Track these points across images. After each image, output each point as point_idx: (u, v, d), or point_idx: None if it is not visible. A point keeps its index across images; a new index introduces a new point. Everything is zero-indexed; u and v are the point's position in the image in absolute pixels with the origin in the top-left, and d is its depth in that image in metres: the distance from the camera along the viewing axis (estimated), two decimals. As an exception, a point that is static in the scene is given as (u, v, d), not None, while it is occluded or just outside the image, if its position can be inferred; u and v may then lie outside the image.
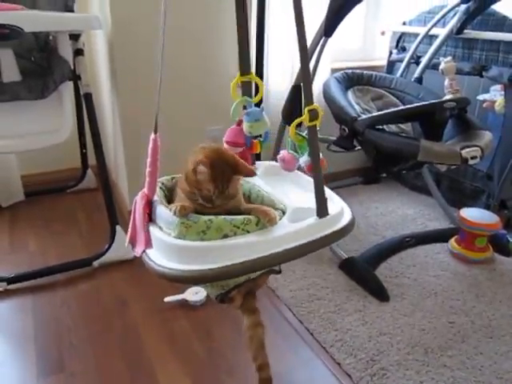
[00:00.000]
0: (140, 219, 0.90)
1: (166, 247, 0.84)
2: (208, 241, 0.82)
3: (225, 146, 1.05)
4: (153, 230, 0.87)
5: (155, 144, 0.89)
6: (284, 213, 0.93)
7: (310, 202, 0.92)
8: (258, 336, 1.04)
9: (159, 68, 0.84)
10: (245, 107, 1.05)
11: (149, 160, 0.90)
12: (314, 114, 0.86)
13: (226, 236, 0.83)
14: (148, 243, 0.87)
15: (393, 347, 1.39)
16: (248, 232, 0.84)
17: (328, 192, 0.98)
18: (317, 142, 0.89)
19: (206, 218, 0.83)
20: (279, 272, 1.05)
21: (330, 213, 0.90)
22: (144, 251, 0.87)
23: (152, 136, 0.89)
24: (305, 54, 0.86)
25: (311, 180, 0.93)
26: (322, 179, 0.89)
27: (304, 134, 0.97)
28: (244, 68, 1.06)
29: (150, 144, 0.89)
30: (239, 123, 1.06)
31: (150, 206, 0.91)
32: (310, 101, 0.86)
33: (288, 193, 1.04)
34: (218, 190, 0.85)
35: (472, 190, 2.20)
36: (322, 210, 0.90)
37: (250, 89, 1.08)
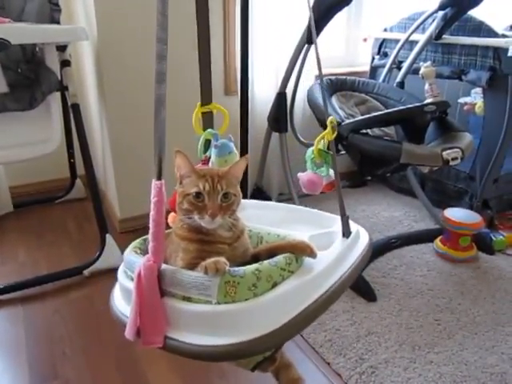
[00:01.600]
0: (151, 297, 0.68)
1: (208, 319, 0.67)
2: (261, 295, 0.68)
3: None
4: (176, 303, 0.69)
5: (160, 194, 0.68)
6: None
7: (313, 229, 0.92)
8: None
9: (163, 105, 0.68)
10: (209, 141, 0.97)
11: (152, 218, 0.68)
12: (334, 127, 0.88)
13: (275, 285, 0.70)
14: (168, 324, 0.69)
15: (381, 346, 1.42)
16: (293, 273, 0.74)
17: (318, 212, 1.02)
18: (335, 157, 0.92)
19: (251, 267, 0.69)
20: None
21: (351, 230, 0.90)
22: (167, 337, 0.68)
23: (155, 182, 0.68)
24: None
25: (292, 208, 0.98)
26: (341, 195, 0.92)
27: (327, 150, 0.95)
28: (205, 97, 1.01)
29: (151, 193, 0.68)
30: (205, 161, 0.96)
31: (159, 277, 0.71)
32: (329, 114, 0.90)
33: (282, 225, 0.94)
34: (208, 184, 0.74)
35: (455, 190, 2.25)
36: (346, 228, 0.90)
37: (212, 120, 1.02)
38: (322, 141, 0.93)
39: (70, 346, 1.43)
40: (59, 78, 1.73)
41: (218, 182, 0.75)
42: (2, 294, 1.63)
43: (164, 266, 0.71)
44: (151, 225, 0.68)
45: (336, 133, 0.90)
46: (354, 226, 0.94)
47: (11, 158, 1.66)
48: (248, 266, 0.69)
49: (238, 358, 0.71)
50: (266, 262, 0.71)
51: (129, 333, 0.70)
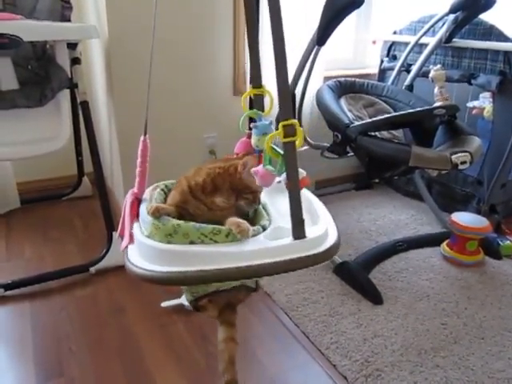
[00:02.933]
0: (128, 216, 0.95)
1: (137, 244, 0.88)
2: (174, 244, 0.83)
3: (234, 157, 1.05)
4: (135, 227, 0.92)
5: (145, 145, 0.98)
6: (264, 229, 0.91)
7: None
8: (230, 350, 1.02)
9: (149, 70, 0.91)
10: (254, 120, 1.03)
11: (139, 160, 0.98)
12: (289, 131, 0.79)
13: (192, 243, 0.83)
14: (132, 239, 0.92)
15: (387, 349, 1.41)
16: (216, 242, 0.84)
17: (318, 209, 0.99)
18: (294, 160, 0.82)
19: (175, 221, 0.85)
20: (255, 290, 1.03)
21: (308, 235, 0.84)
22: (126, 246, 0.91)
23: (142, 138, 0.97)
24: (282, 63, 0.84)
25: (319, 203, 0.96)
26: (300, 200, 0.83)
27: (280, 150, 0.89)
28: (255, 80, 1.07)
29: (140, 146, 0.97)
30: (249, 136, 1.05)
31: (138, 204, 0.97)
32: (285, 115, 0.79)
33: (284, 211, 0.96)
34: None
35: (463, 195, 2.24)
36: (297, 231, 0.84)
37: (262, 102, 1.07)
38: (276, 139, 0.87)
39: (76, 343, 1.43)
40: (69, 75, 1.74)
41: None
42: (9, 290, 1.64)
43: (144, 199, 0.97)
44: (138, 166, 0.99)
45: (303, 138, 0.85)
46: (321, 227, 0.90)
47: (20, 154, 1.66)
48: (174, 220, 0.86)
49: (144, 281, 0.83)
50: (192, 223, 0.85)
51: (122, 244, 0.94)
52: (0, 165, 2.17)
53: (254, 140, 1.00)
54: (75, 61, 1.77)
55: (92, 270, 1.76)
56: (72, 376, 1.30)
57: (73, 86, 1.79)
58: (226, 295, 0.99)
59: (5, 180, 2.22)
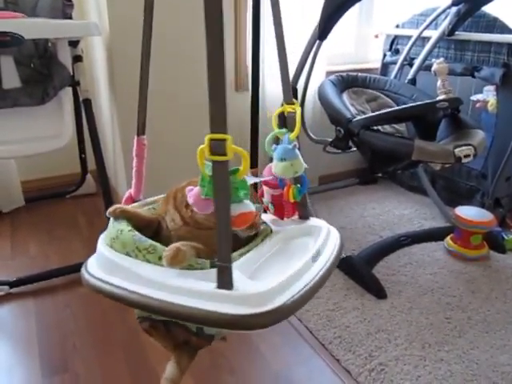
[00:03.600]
0: None
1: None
2: (112, 251, 0.81)
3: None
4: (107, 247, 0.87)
5: (139, 145, 0.99)
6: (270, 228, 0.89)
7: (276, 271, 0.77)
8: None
9: (142, 68, 0.86)
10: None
11: (134, 160, 0.99)
12: (217, 147, 0.61)
13: (128, 254, 0.78)
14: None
15: (391, 343, 1.41)
16: (148, 261, 0.76)
17: (293, 254, 0.83)
18: (224, 184, 0.63)
19: (122, 227, 0.81)
20: (212, 338, 0.90)
21: (238, 287, 0.67)
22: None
23: (136, 138, 0.97)
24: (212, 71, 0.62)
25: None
26: (229, 238, 0.65)
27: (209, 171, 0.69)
28: (287, 96, 0.94)
29: (134, 146, 0.97)
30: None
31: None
32: (215, 127, 0.61)
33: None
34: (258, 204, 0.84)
35: (467, 188, 2.23)
36: (221, 278, 0.67)
37: (293, 120, 0.92)
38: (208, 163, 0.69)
39: (81, 339, 1.44)
40: (71, 73, 1.74)
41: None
42: (14, 288, 1.65)
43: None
44: (134, 167, 1.00)
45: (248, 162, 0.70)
46: (278, 279, 0.70)
47: (23, 152, 1.67)
48: (123, 225, 0.82)
49: (89, 288, 0.81)
50: (133, 233, 0.80)
51: None
52: (4, 163, 2.18)
53: (273, 166, 0.91)
54: (77, 58, 1.77)
55: (96, 266, 1.76)
56: (77, 372, 1.31)
57: (75, 84, 1.80)
58: (181, 332, 0.88)
59: (9, 179, 2.23)
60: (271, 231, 0.90)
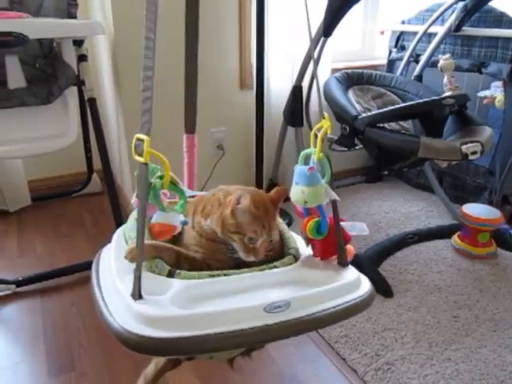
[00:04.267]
0: None
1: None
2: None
3: None
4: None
5: (189, 142, 0.97)
6: (296, 259, 0.79)
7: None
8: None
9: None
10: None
11: (186, 155, 1.00)
12: (138, 148, 0.63)
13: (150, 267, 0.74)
14: None
15: (397, 342, 1.40)
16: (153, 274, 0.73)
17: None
18: (143, 188, 0.64)
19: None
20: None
21: (147, 301, 0.65)
22: None
23: (184, 135, 0.96)
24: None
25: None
26: (141, 244, 0.65)
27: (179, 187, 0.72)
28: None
29: (184, 142, 0.97)
30: None
31: None
32: (142, 127, 0.66)
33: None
34: (265, 233, 0.75)
35: (474, 186, 2.21)
36: (134, 286, 0.66)
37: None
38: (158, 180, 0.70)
39: (87, 338, 1.44)
40: (76, 72, 1.74)
41: (273, 228, 0.76)
42: (21, 286, 1.66)
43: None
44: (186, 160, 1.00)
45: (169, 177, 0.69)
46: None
47: (29, 151, 1.67)
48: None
49: None
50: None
51: None
52: (11, 163, 2.19)
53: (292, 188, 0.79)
54: (82, 58, 1.77)
55: (102, 265, 1.77)
56: (83, 370, 1.31)
57: (80, 83, 1.80)
58: None
59: (16, 178, 2.24)
60: (289, 264, 0.78)
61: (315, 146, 0.78)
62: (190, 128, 0.95)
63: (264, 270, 0.74)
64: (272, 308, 0.65)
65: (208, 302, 0.67)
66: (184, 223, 0.79)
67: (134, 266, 0.65)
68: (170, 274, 0.70)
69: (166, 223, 0.72)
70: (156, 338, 0.60)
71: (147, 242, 0.71)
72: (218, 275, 0.71)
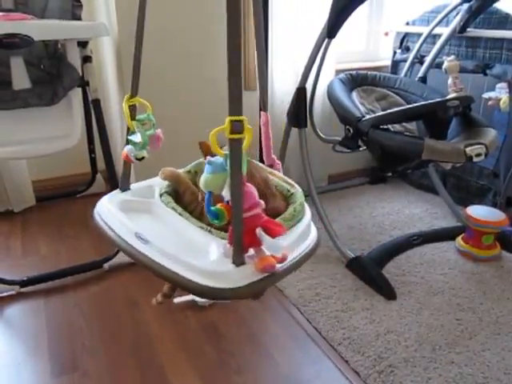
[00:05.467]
0: None
1: None
2: None
3: None
4: None
5: (264, 117, 1.08)
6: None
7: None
8: None
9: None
10: None
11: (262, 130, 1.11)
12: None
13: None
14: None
15: (400, 344, 1.40)
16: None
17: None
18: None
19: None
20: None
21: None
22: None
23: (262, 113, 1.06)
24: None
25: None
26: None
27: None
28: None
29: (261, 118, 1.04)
30: None
31: None
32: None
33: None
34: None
35: (478, 187, 2.20)
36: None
37: None
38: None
39: (90, 338, 1.45)
40: (80, 73, 1.75)
41: None
42: (25, 287, 1.66)
43: None
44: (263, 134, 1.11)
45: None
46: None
47: (33, 152, 1.68)
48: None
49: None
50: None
51: None
52: (15, 163, 2.20)
53: None
54: (86, 59, 1.78)
55: (106, 266, 1.78)
56: (85, 371, 1.32)
57: (84, 84, 1.81)
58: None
59: (20, 178, 2.25)
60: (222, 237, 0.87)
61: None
62: (264, 107, 1.10)
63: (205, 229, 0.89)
64: (139, 237, 0.88)
65: (141, 218, 1.00)
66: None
67: None
68: (160, 194, 1.03)
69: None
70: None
71: (170, 168, 1.03)
72: (180, 214, 0.95)
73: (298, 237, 0.90)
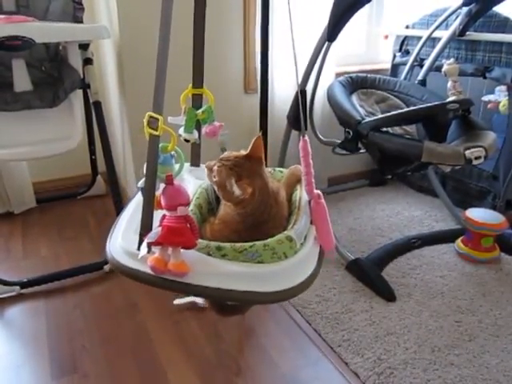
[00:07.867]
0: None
1: None
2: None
3: None
4: None
5: (305, 143, 0.98)
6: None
7: None
8: None
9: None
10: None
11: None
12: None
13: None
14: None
15: (400, 346, 1.40)
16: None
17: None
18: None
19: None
20: None
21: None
22: None
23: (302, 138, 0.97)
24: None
25: None
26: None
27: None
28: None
29: (301, 144, 0.96)
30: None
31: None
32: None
33: None
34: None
35: (478, 190, 2.21)
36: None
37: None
38: None
39: (90, 340, 1.45)
40: (81, 75, 1.76)
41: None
42: (25, 288, 1.67)
43: None
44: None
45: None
46: None
47: (34, 154, 1.69)
48: None
49: None
50: None
51: None
52: (16, 165, 2.21)
53: None
54: (87, 61, 1.79)
55: (106, 267, 1.78)
56: (85, 372, 1.32)
57: (85, 87, 1.82)
58: None
59: (21, 180, 2.25)
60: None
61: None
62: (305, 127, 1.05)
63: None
64: None
65: None
66: None
67: None
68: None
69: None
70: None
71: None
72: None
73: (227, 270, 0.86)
